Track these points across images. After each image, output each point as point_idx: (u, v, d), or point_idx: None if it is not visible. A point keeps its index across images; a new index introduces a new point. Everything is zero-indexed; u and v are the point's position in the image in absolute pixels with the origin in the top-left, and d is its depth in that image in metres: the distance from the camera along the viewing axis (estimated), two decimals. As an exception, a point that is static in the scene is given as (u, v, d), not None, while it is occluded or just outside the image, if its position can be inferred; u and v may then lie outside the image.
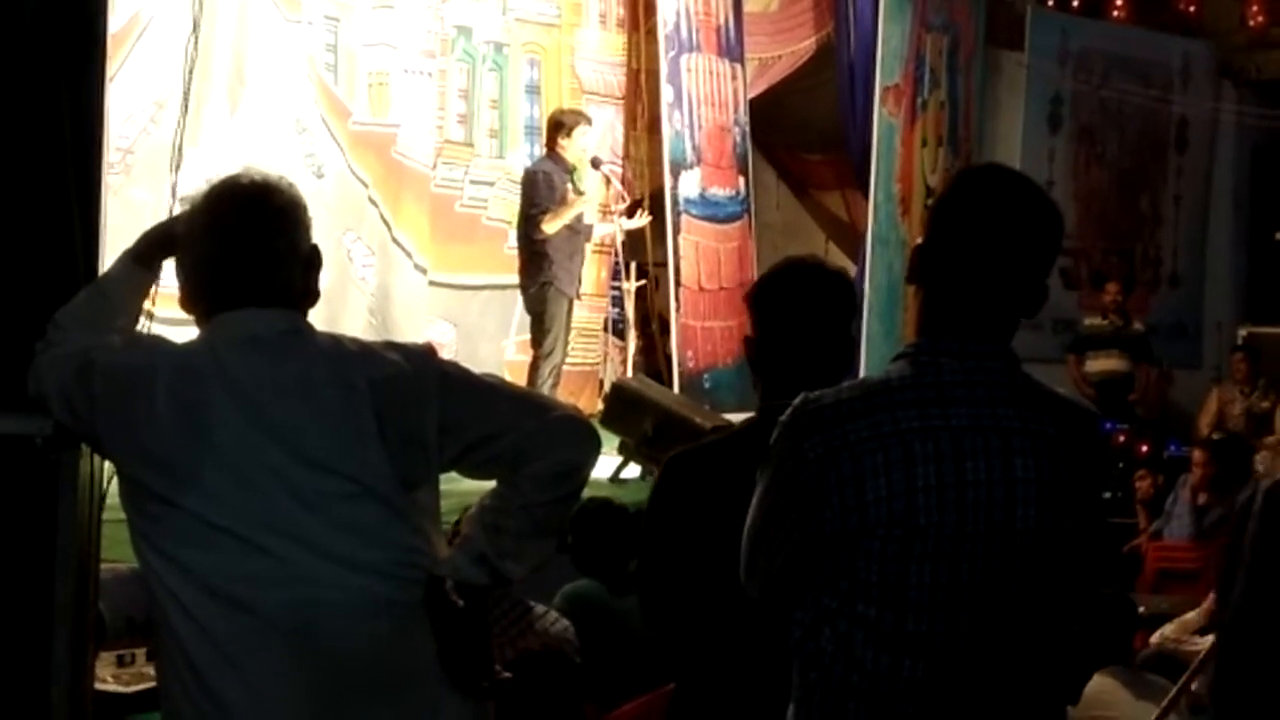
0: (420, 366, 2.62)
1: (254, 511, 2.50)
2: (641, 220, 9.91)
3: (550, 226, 8.66)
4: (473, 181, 10.14)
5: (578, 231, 8.94)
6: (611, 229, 9.56)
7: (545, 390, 8.54)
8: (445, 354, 10.32)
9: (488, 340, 10.00)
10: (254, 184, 2.67)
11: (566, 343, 9.02)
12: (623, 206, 9.77)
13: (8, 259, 2.97)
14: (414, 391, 2.58)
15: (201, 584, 2.51)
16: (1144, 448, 11.00)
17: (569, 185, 8.88)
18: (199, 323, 2.65)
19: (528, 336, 9.27)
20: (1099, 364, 12.32)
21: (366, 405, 2.55)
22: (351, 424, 2.54)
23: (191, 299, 2.67)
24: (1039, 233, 2.53)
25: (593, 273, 10.34)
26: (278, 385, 2.55)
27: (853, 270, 10.94)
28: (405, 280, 9.51)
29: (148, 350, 2.63)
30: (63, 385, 2.65)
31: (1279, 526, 2.08)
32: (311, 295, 2.68)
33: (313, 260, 2.69)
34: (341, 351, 2.63)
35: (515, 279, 9.28)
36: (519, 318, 9.69)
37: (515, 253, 9.34)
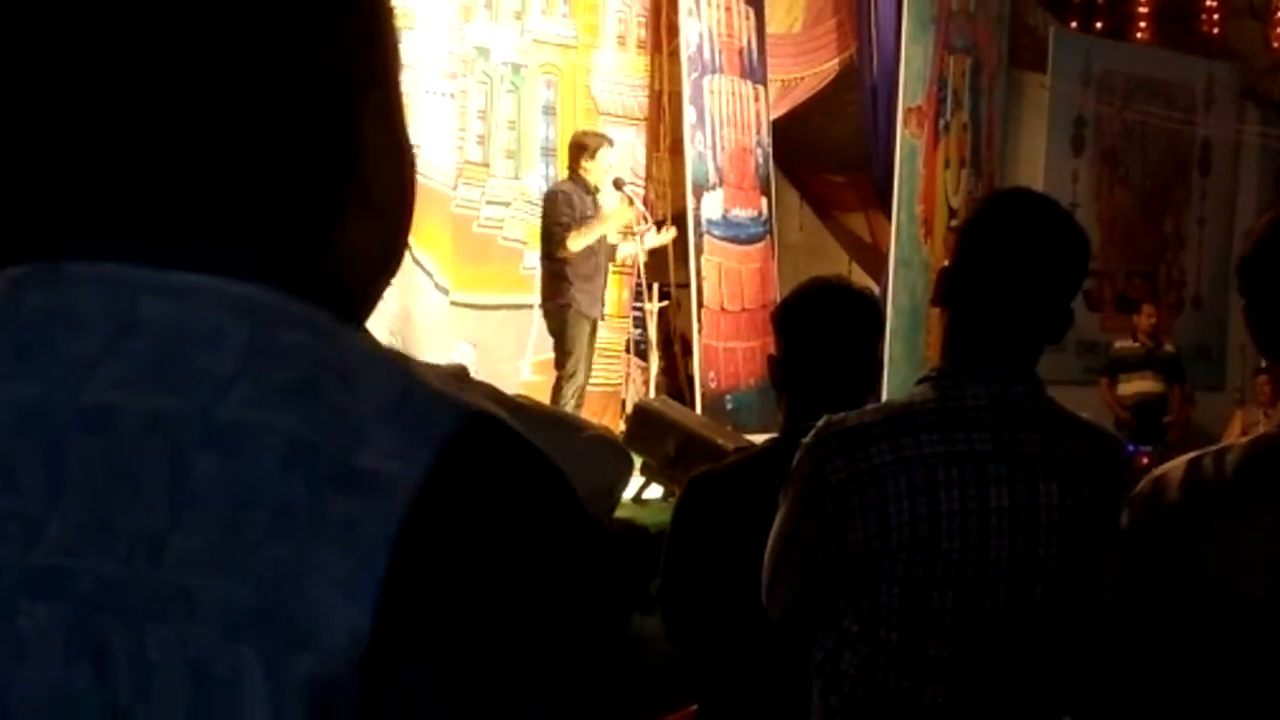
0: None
1: None
2: (666, 236, 9.89)
3: (575, 244, 8.66)
4: (489, 202, 10.17)
5: (598, 252, 8.95)
6: (634, 249, 9.57)
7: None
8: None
9: (505, 360, 10.02)
10: None
11: (590, 364, 9.02)
12: (646, 227, 9.77)
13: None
14: None
15: None
16: (1165, 469, 10.96)
17: (591, 205, 8.89)
18: None
19: (544, 357, 9.25)
20: (1133, 386, 12.29)
21: None
22: None
23: None
24: (1065, 258, 2.53)
25: (614, 294, 10.35)
26: None
27: (875, 292, 10.93)
28: (427, 301, 9.53)
29: None
30: None
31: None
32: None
33: None
34: None
35: (531, 299, 9.26)
36: (535, 338, 9.71)
37: (531, 273, 9.31)
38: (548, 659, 0.91)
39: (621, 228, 9.54)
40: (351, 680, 0.86)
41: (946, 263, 2.62)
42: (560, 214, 8.73)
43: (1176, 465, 2.06)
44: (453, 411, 0.92)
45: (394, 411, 0.91)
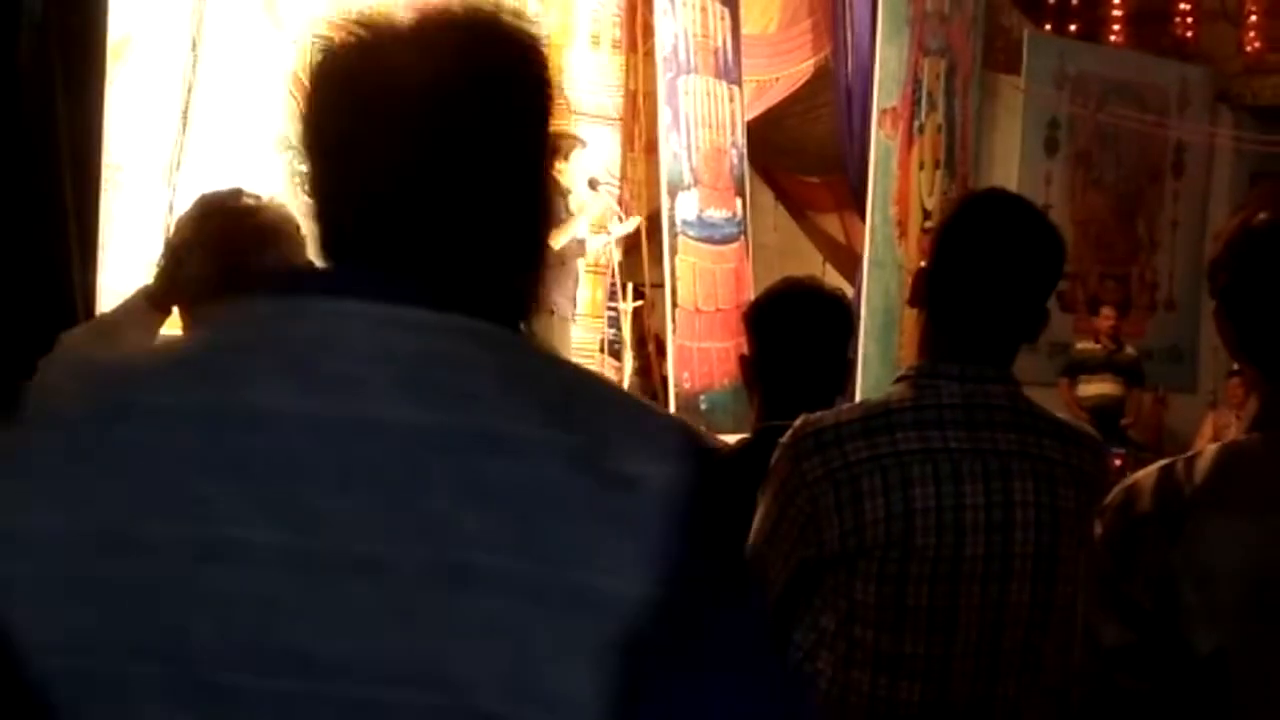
0: None
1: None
2: (630, 225, 9.88)
3: (555, 242, 8.67)
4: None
5: (569, 254, 8.96)
6: (605, 239, 9.58)
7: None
8: None
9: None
10: (243, 202, 2.68)
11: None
12: (621, 228, 9.78)
13: (4, 272, 2.98)
14: None
15: None
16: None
17: (564, 208, 8.90)
18: None
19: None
20: (1091, 388, 12.34)
21: None
22: None
23: (191, 325, 2.67)
24: (1040, 258, 2.54)
25: (588, 293, 10.35)
26: None
27: (850, 292, 10.94)
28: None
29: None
30: None
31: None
32: None
33: None
34: None
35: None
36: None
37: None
38: (758, 602, 1.32)
39: (595, 221, 9.54)
40: (635, 637, 1.13)
41: (922, 264, 2.64)
42: None
43: (1148, 473, 2.08)
44: (676, 431, 1.24)
45: (633, 428, 1.22)
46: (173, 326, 2.78)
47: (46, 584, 1.16)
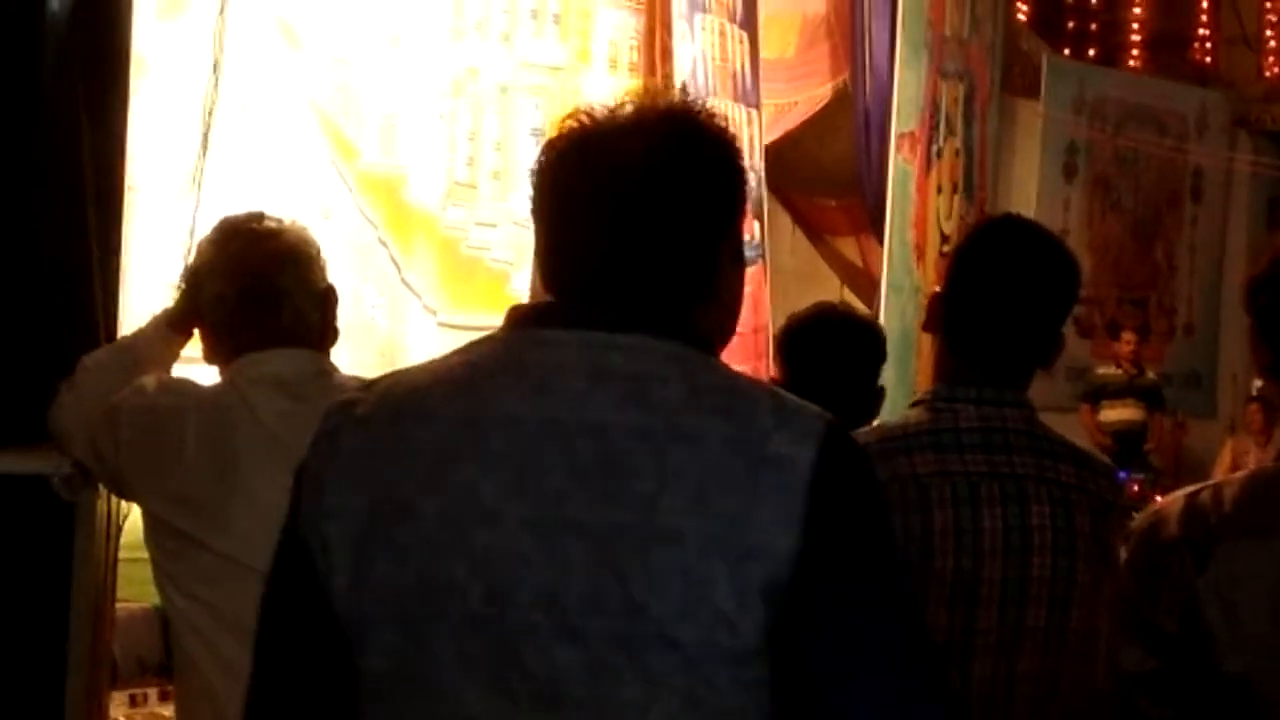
0: None
1: None
2: None
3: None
4: (477, 224, 10.17)
5: None
6: None
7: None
8: None
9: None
10: (263, 225, 2.69)
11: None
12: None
13: (27, 293, 2.99)
14: None
15: (230, 624, 2.50)
16: (1158, 498, 10.97)
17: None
18: (221, 371, 2.65)
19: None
20: (1114, 413, 12.30)
21: None
22: None
23: (214, 344, 2.67)
24: (1057, 283, 2.55)
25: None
26: (304, 425, 2.54)
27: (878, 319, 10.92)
28: (416, 322, 9.53)
29: (177, 393, 2.63)
30: (89, 426, 2.65)
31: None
32: (332, 334, 2.69)
33: (329, 299, 2.70)
34: None
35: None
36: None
37: (519, 294, 9.32)
38: (889, 562, 1.64)
39: None
40: (788, 579, 1.55)
41: (938, 288, 2.64)
42: None
43: (1174, 500, 2.08)
44: (815, 419, 1.65)
45: (781, 420, 1.62)
46: (192, 348, 2.78)
47: (354, 544, 1.61)
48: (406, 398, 1.67)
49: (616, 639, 1.55)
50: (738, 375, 1.72)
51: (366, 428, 1.67)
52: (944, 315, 2.56)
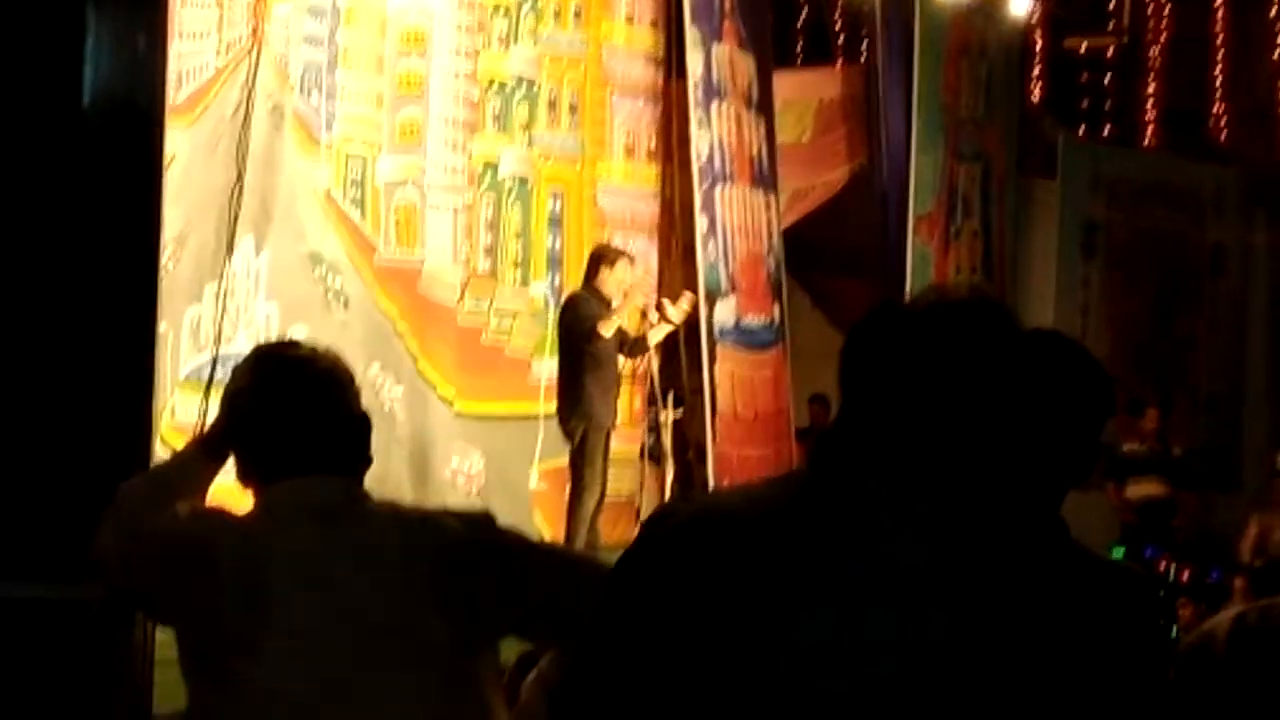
0: (479, 534, 2.63)
1: (315, 680, 2.50)
2: (684, 305, 9.62)
3: (607, 329, 8.73)
4: (497, 312, 10.23)
5: (608, 361, 8.99)
6: (657, 334, 9.44)
7: (587, 524, 8.59)
8: (475, 484, 10.08)
9: (515, 469, 10.03)
10: (298, 353, 2.71)
11: (605, 476, 9.04)
12: (664, 326, 9.64)
13: (65, 417, 3.01)
14: (474, 559, 2.59)
15: None
16: (1185, 574, 10.91)
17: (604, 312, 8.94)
18: (256, 495, 2.67)
19: (552, 464, 9.31)
20: (1140, 489, 12.25)
21: (426, 573, 2.55)
22: (412, 591, 2.55)
23: (247, 470, 2.69)
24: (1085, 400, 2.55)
25: (626, 402, 10.36)
26: (338, 553, 2.56)
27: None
28: (432, 411, 9.58)
29: (210, 522, 2.64)
30: (124, 554, 2.67)
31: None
32: (366, 460, 2.70)
33: (363, 426, 2.71)
34: (401, 519, 2.64)
35: (538, 408, 9.39)
36: (542, 446, 9.76)
37: (538, 383, 9.41)
38: None
39: (640, 306, 9.46)
40: None
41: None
42: (584, 312, 8.78)
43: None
44: (1118, 576, 1.91)
45: (1084, 578, 1.89)
46: (226, 473, 2.80)
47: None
48: (726, 530, 1.83)
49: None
50: (1056, 541, 2.02)
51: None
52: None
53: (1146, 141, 14.27)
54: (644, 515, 10.32)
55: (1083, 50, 15.31)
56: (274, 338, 7.52)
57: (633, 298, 9.10)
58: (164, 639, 2.83)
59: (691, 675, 1.75)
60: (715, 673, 1.76)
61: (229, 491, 2.78)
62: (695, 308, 9.77)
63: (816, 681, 1.74)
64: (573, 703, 1.86)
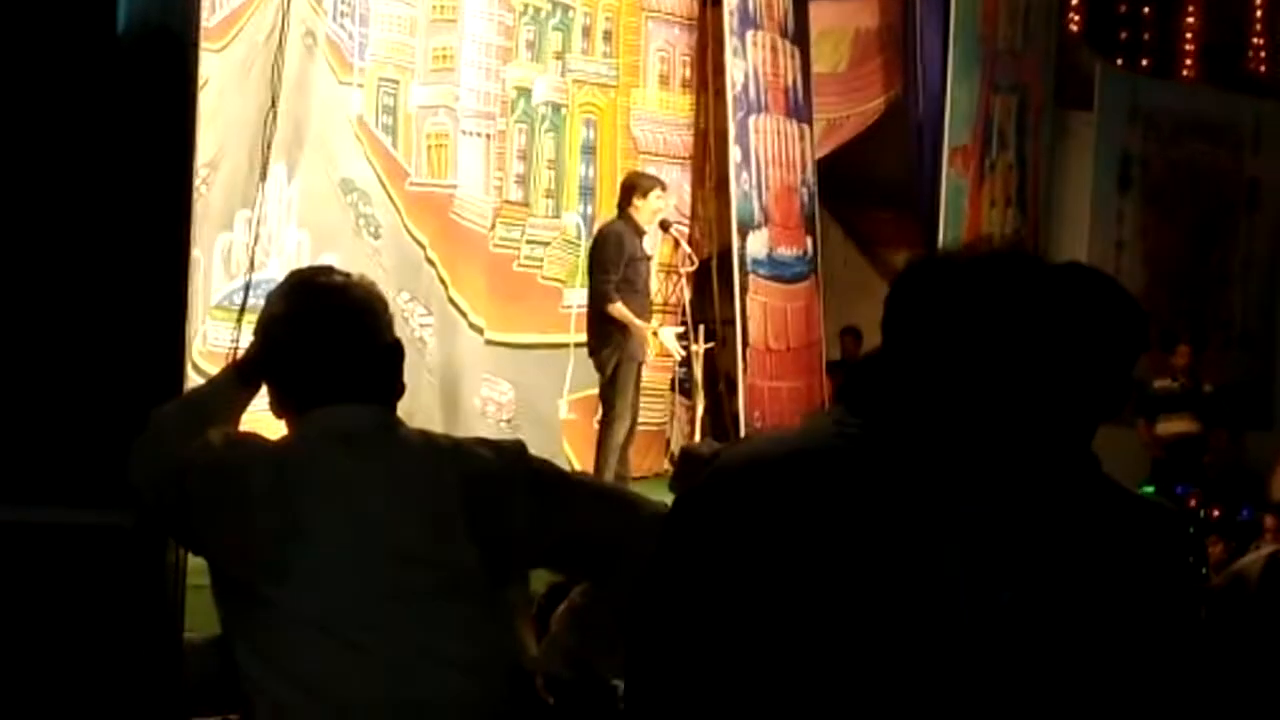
0: (511, 464, 2.62)
1: (347, 608, 2.51)
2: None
3: (618, 310, 8.67)
4: (529, 241, 10.19)
5: (645, 294, 8.98)
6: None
7: (617, 454, 8.58)
8: (505, 413, 10.04)
9: (544, 399, 10.03)
10: (332, 281, 2.70)
11: (636, 408, 9.03)
12: (692, 266, 9.74)
13: (98, 343, 3.02)
14: (505, 489, 2.59)
15: (295, 681, 2.52)
16: (1215, 512, 10.89)
17: (639, 247, 8.91)
18: (290, 423, 2.67)
19: (582, 394, 9.30)
20: (1170, 426, 12.22)
21: (457, 501, 2.55)
22: (443, 520, 2.55)
23: (281, 397, 2.68)
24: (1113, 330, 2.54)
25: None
26: (370, 481, 2.56)
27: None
28: (462, 340, 9.56)
29: (243, 449, 2.64)
30: (157, 483, 2.67)
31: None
32: (399, 389, 2.70)
33: (396, 354, 2.71)
34: (433, 447, 2.64)
35: (568, 338, 9.39)
36: (572, 376, 9.75)
37: (569, 312, 9.38)
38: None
39: (662, 267, 9.52)
40: None
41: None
42: (609, 259, 8.73)
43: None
44: (1153, 511, 1.97)
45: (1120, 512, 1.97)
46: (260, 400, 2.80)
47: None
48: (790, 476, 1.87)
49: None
50: (1094, 479, 2.06)
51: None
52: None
53: (1185, 73, 14.12)
54: (673, 446, 10.33)
55: (1122, -19, 15.17)
56: (305, 265, 7.51)
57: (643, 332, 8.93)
58: (196, 565, 2.84)
59: (762, 624, 1.75)
60: (787, 620, 1.76)
61: (262, 420, 2.78)
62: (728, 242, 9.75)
63: (890, 626, 1.76)
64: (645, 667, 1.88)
